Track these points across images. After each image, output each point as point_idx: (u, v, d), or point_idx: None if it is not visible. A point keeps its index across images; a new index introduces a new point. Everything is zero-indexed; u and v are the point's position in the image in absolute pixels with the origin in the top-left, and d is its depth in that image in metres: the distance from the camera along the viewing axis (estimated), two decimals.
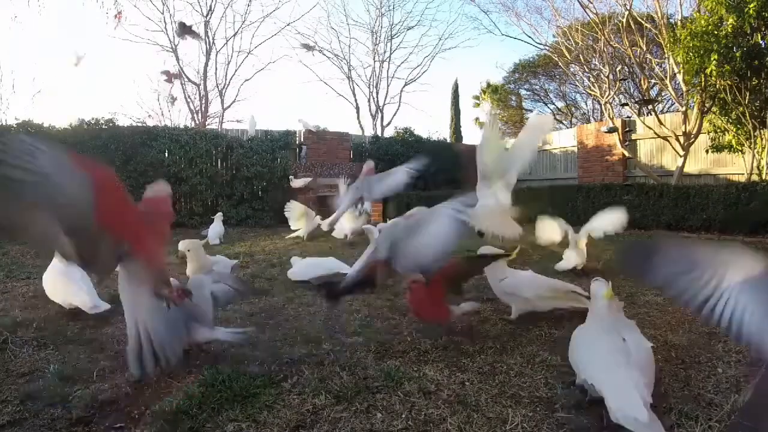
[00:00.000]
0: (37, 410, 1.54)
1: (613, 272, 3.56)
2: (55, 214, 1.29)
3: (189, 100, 15.06)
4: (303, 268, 3.40)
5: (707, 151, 7.95)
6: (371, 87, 16.80)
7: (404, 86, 17.29)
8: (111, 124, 8.33)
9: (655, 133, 8.55)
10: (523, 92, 20.16)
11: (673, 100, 9.43)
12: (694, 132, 7.83)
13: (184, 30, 9.42)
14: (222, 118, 15.33)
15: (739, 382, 1.68)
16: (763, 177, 6.63)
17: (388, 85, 17.02)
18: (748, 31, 6.08)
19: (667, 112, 11.90)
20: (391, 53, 16.99)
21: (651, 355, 1.53)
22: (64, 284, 2.56)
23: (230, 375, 1.68)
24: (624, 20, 8.93)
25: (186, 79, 14.66)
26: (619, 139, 9.52)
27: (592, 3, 9.51)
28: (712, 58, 6.16)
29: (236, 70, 15.47)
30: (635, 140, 9.82)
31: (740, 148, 7.18)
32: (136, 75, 33.92)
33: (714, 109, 7.26)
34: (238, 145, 9.19)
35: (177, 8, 21.23)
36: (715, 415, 1.44)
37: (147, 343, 1.55)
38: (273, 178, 9.06)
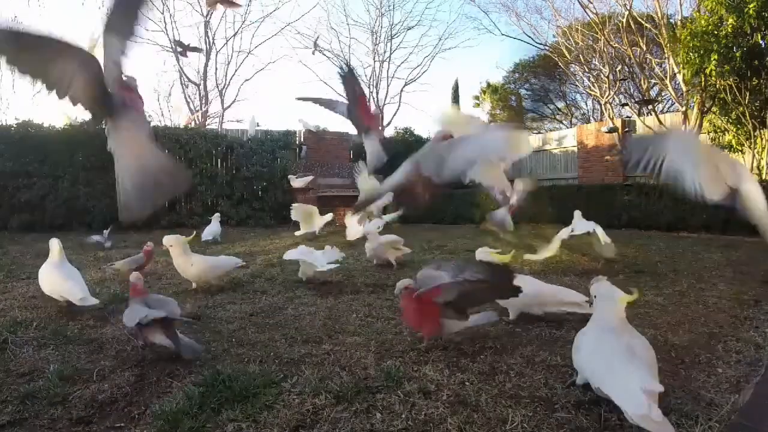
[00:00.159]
0: (37, 410, 1.54)
1: (617, 272, 3.57)
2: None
3: (189, 100, 15.08)
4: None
5: None
6: (371, 87, 16.82)
7: (404, 86, 17.34)
8: None
9: (656, 133, 8.56)
10: (523, 92, 20.19)
11: (673, 100, 9.43)
12: (694, 132, 7.84)
13: (184, 48, 9.44)
14: (222, 118, 15.35)
15: (739, 382, 1.68)
16: (763, 177, 6.64)
17: (388, 85, 17.05)
18: (748, 31, 6.08)
19: (667, 112, 11.90)
20: (391, 53, 17.04)
21: (654, 356, 1.52)
22: (57, 277, 2.65)
23: (230, 375, 1.68)
24: (624, 20, 8.94)
25: (186, 79, 14.68)
26: (619, 139, 9.53)
27: (592, 3, 9.52)
28: (712, 58, 6.17)
29: (236, 70, 15.51)
30: None
31: (740, 148, 7.18)
32: (136, 75, 33.85)
33: (714, 109, 7.26)
34: (238, 145, 9.20)
35: (177, 8, 21.23)
36: (715, 415, 1.44)
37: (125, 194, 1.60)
38: (273, 178, 9.07)
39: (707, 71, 6.37)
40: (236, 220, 8.65)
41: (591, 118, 17.68)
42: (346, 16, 26.89)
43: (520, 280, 2.53)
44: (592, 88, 10.40)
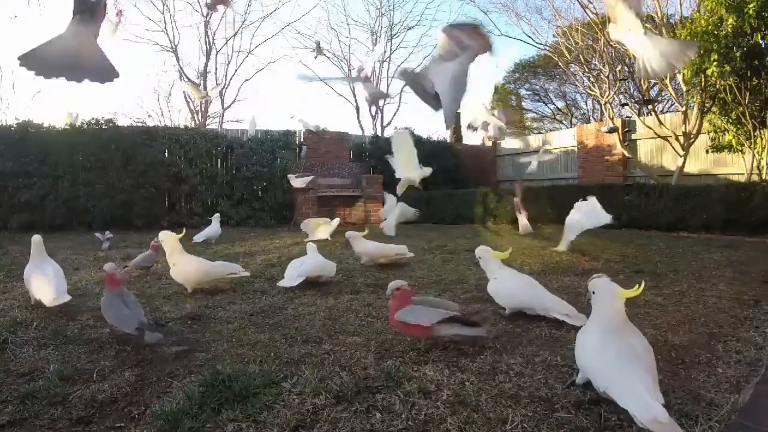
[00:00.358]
0: (37, 410, 1.54)
1: (617, 272, 3.57)
2: None
3: (189, 100, 15.08)
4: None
5: (707, 151, 7.95)
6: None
7: (404, 86, 17.29)
8: (111, 124, 8.33)
9: (655, 133, 8.56)
10: (523, 92, 20.19)
11: (673, 100, 9.43)
12: (694, 132, 7.84)
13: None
14: (222, 118, 15.35)
15: (739, 382, 1.68)
16: (763, 177, 6.64)
17: (388, 85, 17.03)
18: (748, 31, 6.08)
19: (667, 112, 11.90)
20: (391, 53, 17.02)
21: (653, 356, 1.52)
22: (35, 279, 2.68)
23: (230, 375, 1.68)
24: None
25: (186, 79, 14.68)
26: (619, 139, 9.53)
27: (592, 3, 9.53)
28: (712, 58, 6.16)
29: (236, 70, 15.51)
30: (635, 140, 9.82)
31: (740, 148, 7.18)
32: (136, 75, 33.87)
33: (714, 109, 7.26)
34: (238, 145, 9.20)
35: (177, 8, 21.24)
36: (715, 415, 1.44)
37: None
38: (273, 178, 9.06)
39: (707, 71, 6.37)
40: (236, 220, 8.64)
41: (591, 118, 17.68)
42: (346, 16, 26.95)
43: (502, 284, 2.56)
44: (592, 88, 10.40)
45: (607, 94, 9.70)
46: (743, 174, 7.25)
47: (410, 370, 1.81)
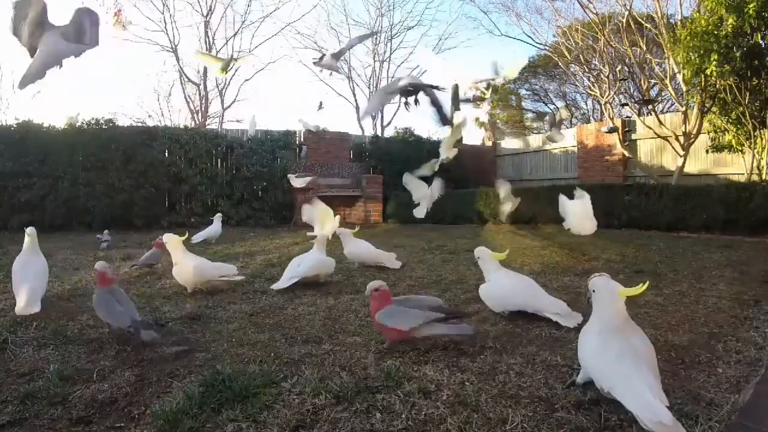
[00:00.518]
0: (37, 410, 1.54)
1: (617, 272, 3.57)
2: None
3: (189, 100, 15.08)
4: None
5: (707, 151, 7.95)
6: (371, 87, 16.80)
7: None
8: (111, 124, 8.33)
9: (655, 133, 8.56)
10: (523, 92, 20.17)
11: (673, 100, 9.44)
12: (694, 132, 7.83)
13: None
14: (222, 118, 15.35)
15: (739, 382, 1.68)
16: (763, 177, 6.64)
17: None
18: (748, 31, 6.08)
19: (667, 112, 11.90)
20: (391, 53, 17.01)
21: (654, 355, 1.52)
22: (15, 279, 2.68)
23: (230, 375, 1.68)
24: (624, 20, 8.94)
25: (186, 79, 14.68)
26: (619, 139, 9.53)
27: (592, 3, 9.52)
28: (712, 58, 6.16)
29: (236, 70, 15.47)
30: (635, 140, 9.82)
31: (740, 148, 7.18)
32: (136, 75, 33.89)
33: (714, 109, 7.26)
34: (238, 145, 9.20)
35: (177, 8, 21.21)
36: (715, 415, 1.44)
37: None
38: (273, 178, 9.07)
39: (707, 71, 6.37)
40: (236, 220, 8.65)
41: (591, 118, 17.68)
42: (346, 16, 26.85)
43: (493, 288, 2.56)
44: (592, 88, 10.40)
45: (607, 94, 9.70)
46: (743, 174, 7.25)
47: (410, 370, 1.81)
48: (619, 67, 9.98)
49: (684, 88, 7.86)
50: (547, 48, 13.22)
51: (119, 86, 29.58)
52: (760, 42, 6.17)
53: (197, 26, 14.98)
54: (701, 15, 6.74)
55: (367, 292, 2.14)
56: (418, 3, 26.95)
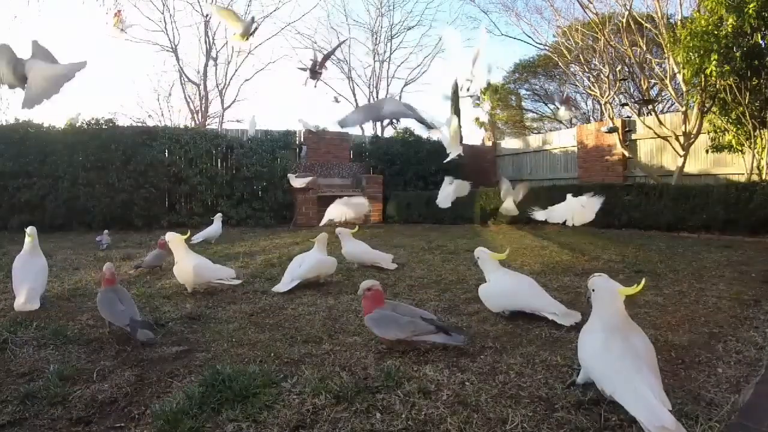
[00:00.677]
0: (37, 410, 1.54)
1: (617, 272, 3.57)
2: None
3: (189, 100, 15.08)
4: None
5: (707, 151, 7.94)
6: (371, 87, 16.82)
7: (404, 86, 17.33)
8: (111, 124, 8.33)
9: (655, 133, 8.55)
10: (523, 92, 20.17)
11: (673, 100, 9.43)
12: (694, 132, 7.83)
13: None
14: (222, 118, 15.34)
15: (739, 382, 1.68)
16: (763, 177, 6.63)
17: (388, 85, 17.05)
18: (748, 31, 6.07)
19: (667, 112, 11.89)
20: (391, 53, 17.02)
21: (655, 355, 1.52)
22: (15, 277, 2.72)
23: (230, 375, 1.68)
24: (624, 20, 8.94)
25: (186, 79, 14.68)
26: (619, 139, 9.52)
27: (592, 3, 9.51)
28: (712, 58, 6.15)
29: (236, 70, 15.48)
30: (635, 140, 9.82)
31: (740, 148, 7.18)
32: (136, 75, 33.92)
33: (714, 109, 7.25)
34: (238, 145, 9.20)
35: (177, 8, 21.22)
36: (715, 415, 1.44)
37: None
38: (273, 178, 9.06)
39: (707, 71, 6.36)
40: (236, 220, 8.64)
41: (591, 118, 17.68)
42: (346, 16, 26.82)
43: (493, 288, 2.56)
44: (592, 88, 10.39)
45: (607, 94, 9.69)
46: (743, 174, 7.24)
47: (410, 370, 1.81)
48: (619, 67, 9.97)
49: (684, 88, 7.86)
50: (547, 48, 13.23)
51: (119, 86, 29.63)
52: (760, 42, 6.17)
53: (197, 26, 14.98)
54: (701, 15, 6.73)
55: (359, 292, 2.14)
56: (418, 3, 27.02)
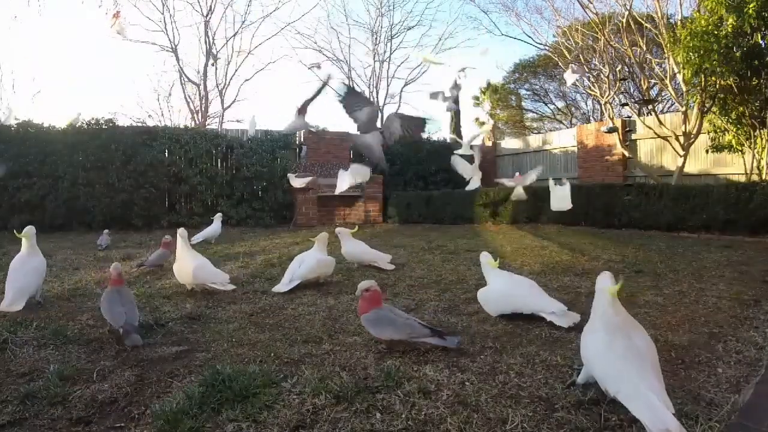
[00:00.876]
0: (37, 410, 1.54)
1: (617, 272, 3.57)
2: None
3: (189, 100, 15.08)
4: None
5: (707, 151, 7.95)
6: (371, 87, 16.81)
7: (404, 86, 17.31)
8: (111, 124, 8.33)
9: (655, 133, 8.55)
10: (523, 92, 20.18)
11: (673, 100, 9.43)
12: (694, 132, 7.83)
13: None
14: (222, 118, 15.34)
15: (739, 382, 1.68)
16: (763, 177, 6.63)
17: (388, 85, 17.02)
18: (748, 31, 6.07)
19: (667, 112, 11.90)
20: (391, 53, 17.00)
21: (656, 354, 1.52)
22: (7, 281, 2.73)
23: (230, 375, 1.68)
24: (624, 20, 8.94)
25: (186, 79, 14.68)
26: (619, 139, 9.52)
27: (592, 3, 9.51)
28: (712, 58, 6.16)
29: (236, 70, 15.48)
30: (635, 140, 9.82)
31: (740, 148, 7.18)
32: (136, 75, 33.93)
33: (714, 109, 7.25)
34: (238, 145, 9.20)
35: (177, 8, 21.23)
36: (715, 415, 1.44)
37: None
38: (273, 178, 9.07)
39: (707, 71, 6.36)
40: (236, 220, 8.65)
41: (591, 118, 17.68)
42: (346, 16, 26.81)
43: (491, 292, 2.56)
44: (592, 88, 10.39)
45: (607, 94, 9.69)
46: (743, 174, 7.24)
47: (410, 370, 1.81)
48: (619, 67, 9.98)
49: (684, 88, 7.86)
50: (547, 48, 13.22)
51: (119, 86, 29.63)
52: (760, 42, 6.17)
53: (197, 26, 14.98)
54: (701, 15, 6.73)
55: (357, 292, 2.14)
56: (418, 3, 27.02)
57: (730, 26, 6.06)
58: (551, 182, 5.14)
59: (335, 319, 2.53)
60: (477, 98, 20.32)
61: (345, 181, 3.93)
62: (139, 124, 11.37)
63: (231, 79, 15.44)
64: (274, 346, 2.10)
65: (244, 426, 1.42)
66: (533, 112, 20.81)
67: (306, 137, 10.14)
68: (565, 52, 10.59)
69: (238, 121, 15.53)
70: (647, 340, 1.52)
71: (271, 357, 1.97)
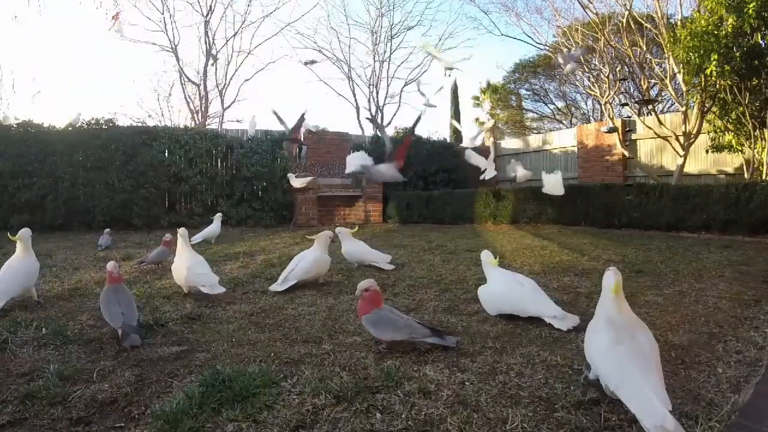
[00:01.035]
0: (37, 410, 1.54)
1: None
2: None
3: (189, 100, 15.07)
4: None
5: (707, 151, 7.95)
6: (371, 87, 16.80)
7: (404, 86, 17.29)
8: (111, 124, 8.32)
9: (655, 133, 8.55)
10: (523, 92, 20.17)
11: (673, 100, 9.43)
12: (694, 132, 7.83)
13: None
14: (222, 118, 15.33)
15: (739, 382, 1.68)
16: (763, 177, 6.63)
17: (388, 85, 17.00)
18: (748, 31, 6.07)
19: (667, 112, 11.90)
20: (391, 53, 16.98)
21: (658, 353, 1.52)
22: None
23: (230, 375, 1.68)
24: (624, 20, 8.93)
25: (186, 79, 14.68)
26: (619, 139, 9.52)
27: (592, 3, 9.51)
28: (712, 58, 6.15)
29: (236, 70, 15.47)
30: (635, 140, 9.82)
31: (740, 148, 7.18)
32: (136, 75, 33.92)
33: (714, 109, 7.25)
34: (238, 145, 9.19)
35: (177, 8, 21.23)
36: (715, 415, 1.44)
37: None
38: (273, 178, 9.06)
39: (707, 71, 6.36)
40: (236, 220, 8.64)
41: (591, 118, 17.67)
42: (346, 16, 26.79)
43: (490, 291, 2.56)
44: (592, 88, 10.39)
45: (607, 94, 9.69)
46: (743, 174, 7.24)
47: (410, 370, 1.81)
48: (619, 67, 9.98)
49: (684, 88, 7.86)
50: (547, 48, 13.22)
51: (119, 86, 29.60)
52: (760, 42, 6.16)
53: (197, 26, 14.97)
54: (701, 15, 6.73)
55: (357, 292, 2.14)
56: (418, 3, 27.01)
57: (730, 26, 6.06)
58: (543, 172, 5.75)
59: (335, 319, 2.53)
60: (477, 98, 20.32)
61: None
62: (139, 124, 11.34)
63: (231, 79, 15.43)
64: (274, 346, 2.10)
65: (244, 426, 1.42)
66: (533, 112, 20.81)
67: (306, 137, 10.14)
68: (565, 52, 10.58)
69: (238, 121, 15.51)
70: (650, 339, 1.53)
71: (271, 357, 1.97)
